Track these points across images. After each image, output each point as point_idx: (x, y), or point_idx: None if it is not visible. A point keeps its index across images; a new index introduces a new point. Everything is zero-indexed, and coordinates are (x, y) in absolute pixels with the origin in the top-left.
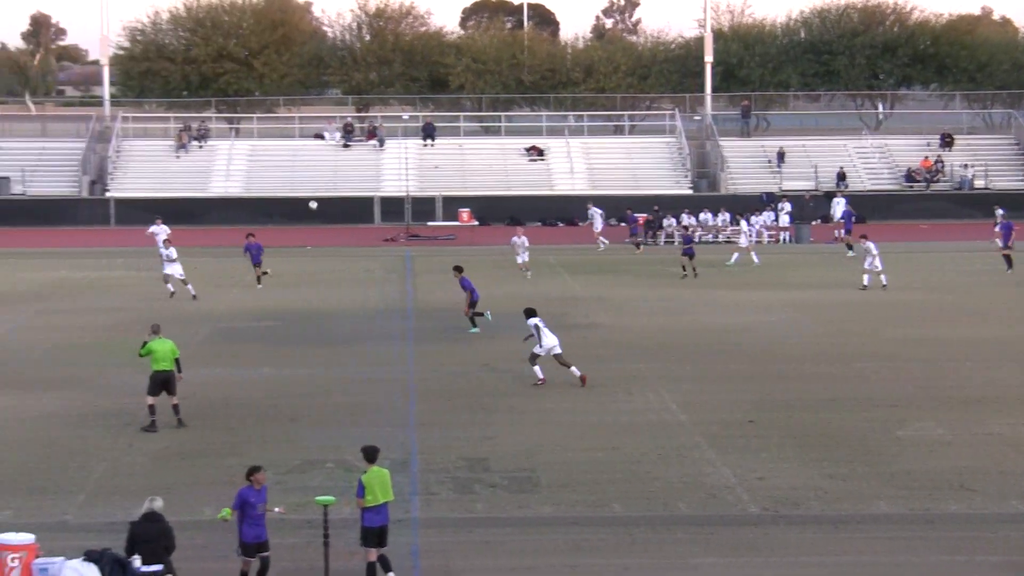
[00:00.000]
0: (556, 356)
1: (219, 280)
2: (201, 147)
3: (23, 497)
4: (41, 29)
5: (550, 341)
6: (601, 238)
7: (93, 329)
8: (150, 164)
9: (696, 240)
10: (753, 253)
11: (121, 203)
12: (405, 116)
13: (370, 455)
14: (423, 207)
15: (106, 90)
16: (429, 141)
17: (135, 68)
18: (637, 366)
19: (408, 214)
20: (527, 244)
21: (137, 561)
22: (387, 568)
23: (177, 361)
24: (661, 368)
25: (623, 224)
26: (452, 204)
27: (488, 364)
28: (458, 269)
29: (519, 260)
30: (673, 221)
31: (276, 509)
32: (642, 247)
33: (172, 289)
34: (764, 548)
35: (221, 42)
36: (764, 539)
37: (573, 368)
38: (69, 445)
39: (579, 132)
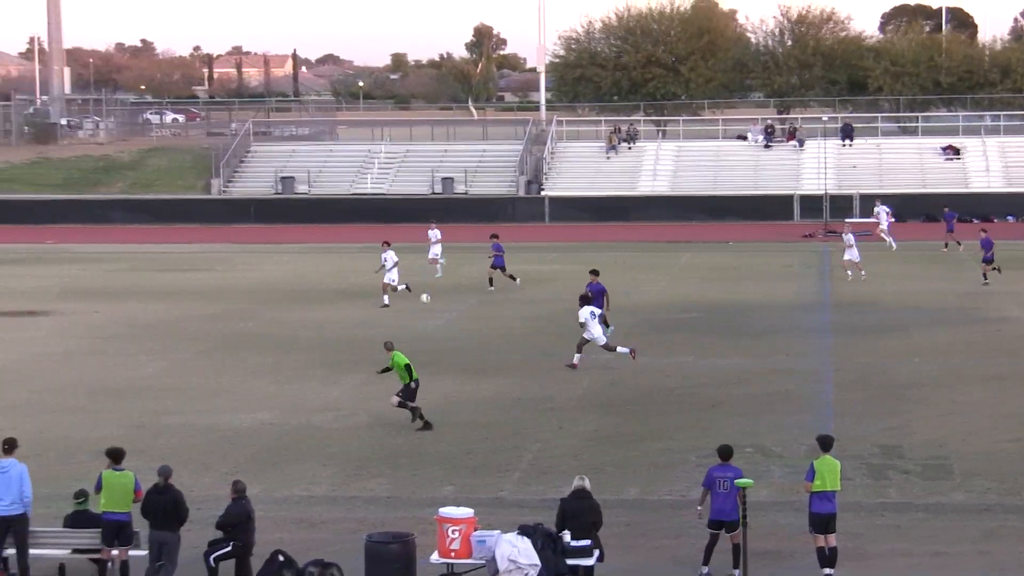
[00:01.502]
0: (604, 346)
1: (645, 273)
2: (630, 148)
3: (463, 475)
4: (483, 40)
5: (596, 332)
6: (889, 237)
7: (525, 319)
8: (582, 164)
9: None
10: None
11: (554, 201)
12: (824, 118)
13: (825, 443)
14: (840, 204)
15: (542, 95)
16: (847, 141)
17: (569, 75)
18: None
19: (826, 211)
20: (852, 242)
21: (567, 536)
22: (829, 564)
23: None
24: None
25: (939, 222)
26: (869, 202)
27: (907, 357)
28: (594, 272)
29: (846, 258)
30: None
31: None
32: (949, 246)
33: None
34: None
35: (650, 49)
36: None
37: (619, 348)
38: (504, 427)
39: (995, 131)
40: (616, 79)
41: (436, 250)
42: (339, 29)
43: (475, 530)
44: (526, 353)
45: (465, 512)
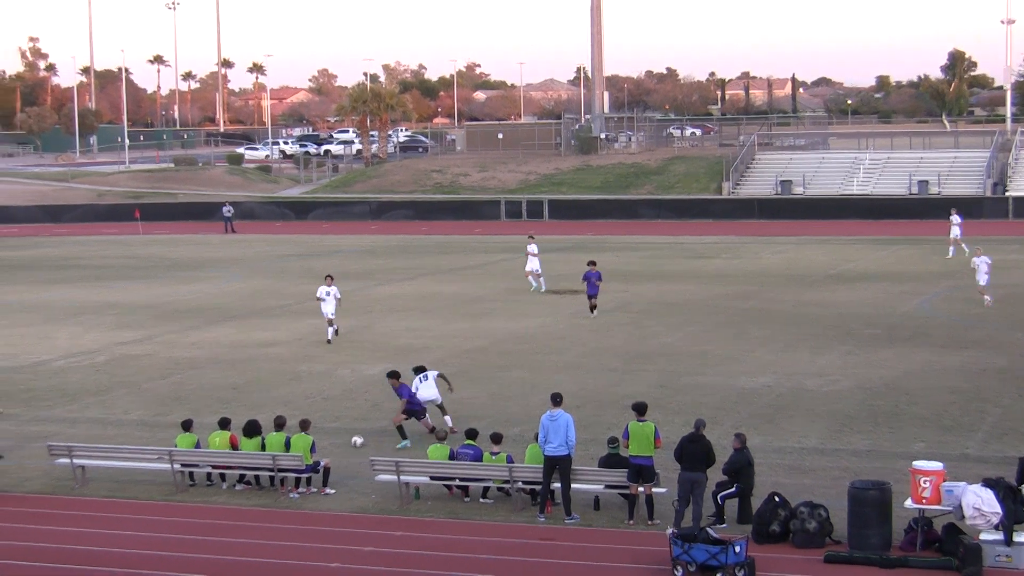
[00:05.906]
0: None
1: None
2: None
3: (934, 432)
4: (957, 63)
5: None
6: None
7: (994, 300)
8: None
9: None
10: None
11: (1018, 200)
12: None
13: None
14: None
15: (1008, 109)
16: None
17: None
18: None
19: None
20: None
21: None
22: None
23: None
24: None
25: None
26: None
27: None
28: (394, 375)
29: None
30: None
31: None
32: None
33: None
34: None
35: None
36: None
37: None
38: (970, 393)
39: None
40: None
41: (534, 264)
42: (832, 56)
43: (944, 481)
44: (992, 330)
45: (936, 465)
